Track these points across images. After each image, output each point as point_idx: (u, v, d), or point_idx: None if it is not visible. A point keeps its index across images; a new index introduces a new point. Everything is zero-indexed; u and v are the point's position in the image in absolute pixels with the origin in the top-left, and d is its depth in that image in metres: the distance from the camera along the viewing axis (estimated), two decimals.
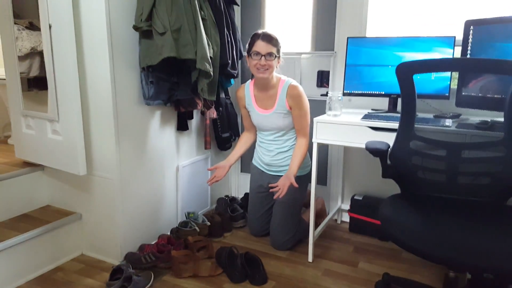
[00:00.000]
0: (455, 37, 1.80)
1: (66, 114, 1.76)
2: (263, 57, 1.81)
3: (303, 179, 2.04)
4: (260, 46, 1.81)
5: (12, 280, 1.70)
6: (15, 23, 1.99)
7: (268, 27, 2.49)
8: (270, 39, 1.82)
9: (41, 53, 1.91)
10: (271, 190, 1.88)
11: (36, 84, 2.32)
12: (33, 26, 2.37)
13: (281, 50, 1.89)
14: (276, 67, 1.89)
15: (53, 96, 1.78)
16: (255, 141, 2.17)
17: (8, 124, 2.98)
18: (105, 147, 1.79)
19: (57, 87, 1.76)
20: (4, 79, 2.54)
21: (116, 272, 1.68)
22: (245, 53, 2.18)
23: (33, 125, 1.96)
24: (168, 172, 2.12)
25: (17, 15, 2.00)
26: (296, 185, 1.82)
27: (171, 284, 1.73)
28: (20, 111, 2.00)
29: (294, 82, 1.92)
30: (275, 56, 1.84)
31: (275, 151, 2.04)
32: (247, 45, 1.90)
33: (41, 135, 1.92)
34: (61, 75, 1.73)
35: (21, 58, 2.12)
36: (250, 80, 2.08)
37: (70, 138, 1.77)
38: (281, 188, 1.82)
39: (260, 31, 1.85)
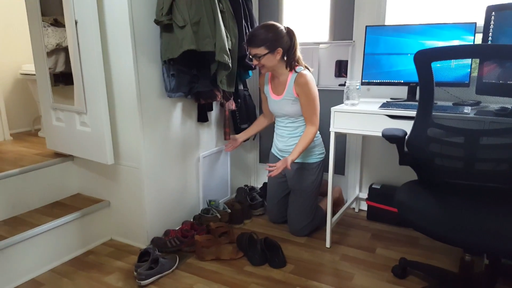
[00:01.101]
0: (476, 23, 1.77)
1: (93, 106, 1.84)
2: (253, 58, 1.93)
3: (316, 166, 2.08)
4: (249, 48, 1.93)
5: (48, 262, 1.82)
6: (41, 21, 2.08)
7: (286, 18, 2.50)
8: (251, 42, 1.89)
9: (65, 49, 1.99)
10: (266, 168, 2.02)
11: (62, 79, 2.42)
12: (58, 23, 2.45)
13: (277, 40, 1.87)
14: (274, 60, 1.91)
15: (80, 90, 1.86)
16: (268, 124, 2.29)
17: (37, 118, 3.12)
18: (131, 137, 1.87)
19: (84, 81, 1.84)
20: (33, 75, 2.68)
21: (143, 255, 1.77)
22: None
23: (62, 118, 2.05)
24: (190, 162, 2.19)
25: (42, 13, 2.08)
26: (289, 168, 1.89)
27: (195, 266, 1.82)
28: (50, 104, 2.10)
29: (305, 71, 1.95)
30: (262, 55, 1.88)
31: (286, 136, 2.10)
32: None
33: (70, 127, 2.01)
34: (87, 69, 1.80)
35: (48, 54, 2.21)
36: None
37: (97, 129, 1.86)
38: (276, 167, 1.91)
39: (252, 33, 1.90)
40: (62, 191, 2.14)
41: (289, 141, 2.10)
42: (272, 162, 2.21)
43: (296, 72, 1.95)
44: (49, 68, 2.15)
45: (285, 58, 1.96)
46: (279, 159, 2.17)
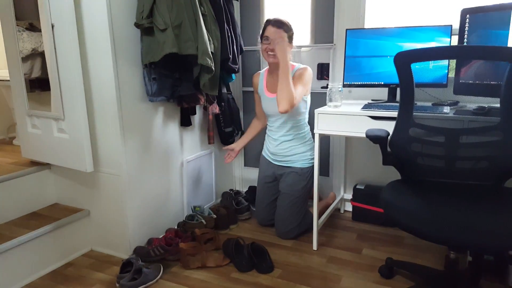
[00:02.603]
0: (451, 25, 1.83)
1: (71, 112, 1.78)
2: (269, 42, 1.91)
3: (307, 171, 2.08)
4: (270, 31, 1.91)
5: (25, 276, 1.74)
6: (16, 25, 2.01)
7: None
8: (281, 24, 1.90)
9: (42, 54, 1.93)
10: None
11: (38, 85, 2.35)
12: (33, 27, 2.38)
13: (294, 38, 1.97)
14: (287, 50, 1.87)
15: (57, 95, 1.81)
16: (263, 128, 2.27)
17: (12, 126, 3.01)
18: (111, 143, 1.82)
19: (62, 86, 1.78)
20: (7, 80, 2.58)
21: (126, 265, 1.72)
22: (246, 48, 2.22)
23: (38, 125, 1.99)
24: (174, 167, 2.16)
25: (17, 17, 2.01)
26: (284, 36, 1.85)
27: (180, 275, 1.78)
28: (25, 111, 2.03)
29: (306, 67, 1.99)
30: (283, 37, 1.89)
31: (279, 139, 2.09)
32: (260, 31, 2.01)
33: (47, 134, 1.95)
34: (65, 74, 1.75)
35: (23, 60, 2.14)
36: (268, 67, 2.14)
37: (76, 135, 1.80)
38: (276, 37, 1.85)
39: (272, 18, 1.94)
40: (39, 201, 2.06)
41: (282, 144, 2.09)
42: (263, 166, 2.21)
43: (300, 65, 2.00)
44: (25, 74, 2.08)
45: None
46: (271, 163, 2.16)
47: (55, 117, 1.86)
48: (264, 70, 2.16)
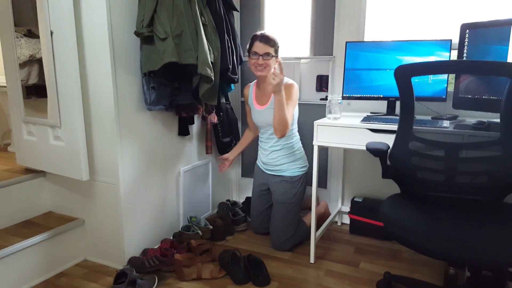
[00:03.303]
0: (451, 40, 1.84)
1: (68, 120, 1.77)
2: (260, 57, 1.94)
3: (297, 179, 2.08)
4: (258, 46, 1.95)
5: (17, 286, 1.70)
6: (14, 31, 2.00)
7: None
8: (268, 40, 1.94)
9: (39, 61, 1.92)
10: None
11: (34, 91, 2.33)
12: (32, 34, 2.38)
13: (280, 51, 2.01)
14: (273, 66, 1.93)
15: (54, 102, 1.79)
16: (254, 138, 2.29)
17: (7, 132, 2.98)
18: (108, 152, 1.80)
19: (59, 93, 1.77)
20: (3, 87, 2.56)
21: (120, 276, 1.68)
22: (245, 58, 2.21)
23: (34, 132, 1.96)
24: (170, 177, 2.13)
25: (15, 23, 2.01)
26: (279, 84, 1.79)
27: (175, 286, 1.74)
28: (21, 117, 2.01)
29: (291, 81, 2.00)
30: (272, 55, 1.95)
31: (269, 149, 2.12)
32: (247, 46, 2.03)
33: (42, 141, 1.92)
34: (63, 81, 1.74)
35: (20, 66, 2.13)
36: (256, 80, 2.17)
37: (72, 143, 1.78)
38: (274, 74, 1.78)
39: (259, 33, 1.97)
40: (33, 209, 2.03)
41: (272, 154, 2.11)
42: (257, 175, 2.24)
43: (287, 80, 2.00)
44: (22, 80, 2.07)
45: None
46: (264, 172, 2.18)
47: (52, 124, 1.84)
48: (253, 83, 2.20)
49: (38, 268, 1.78)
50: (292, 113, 1.98)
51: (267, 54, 1.94)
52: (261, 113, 2.08)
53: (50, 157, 1.90)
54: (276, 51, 1.98)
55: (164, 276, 1.81)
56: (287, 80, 2.01)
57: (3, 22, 1.99)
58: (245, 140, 2.33)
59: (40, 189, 2.06)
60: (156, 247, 1.98)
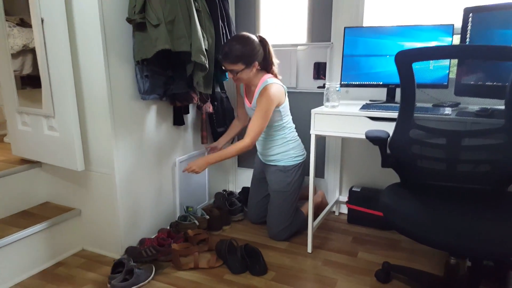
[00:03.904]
0: (453, 25, 1.79)
1: (62, 109, 1.74)
2: (229, 72, 1.92)
3: (291, 168, 2.06)
4: (224, 64, 1.90)
5: (15, 275, 1.70)
6: (6, 20, 1.96)
7: (263, 19, 2.46)
8: (227, 58, 1.85)
9: (33, 51, 1.89)
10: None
11: (29, 82, 2.30)
12: (24, 23, 2.33)
13: (252, 58, 1.87)
14: (250, 74, 1.91)
15: (47, 92, 1.76)
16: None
17: (3, 123, 2.96)
18: (102, 142, 1.78)
19: (52, 82, 1.74)
20: None
21: (117, 265, 1.68)
22: None
23: (28, 122, 1.94)
24: (166, 167, 2.11)
25: (7, 12, 1.97)
26: (198, 171, 1.92)
27: (172, 276, 1.74)
28: (15, 108, 1.98)
29: (270, 84, 1.90)
30: (239, 71, 1.87)
31: (263, 141, 2.12)
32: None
33: (37, 131, 1.90)
34: (55, 70, 1.71)
35: (14, 56, 2.09)
36: None
37: (66, 133, 1.76)
38: (192, 166, 1.92)
39: (225, 49, 1.85)
40: (29, 199, 2.02)
41: (265, 145, 2.11)
42: (257, 163, 2.25)
43: (266, 82, 1.92)
44: (16, 70, 2.04)
45: (260, 67, 1.97)
46: (262, 162, 2.18)
47: (45, 114, 1.81)
48: None
49: (36, 258, 1.78)
50: (261, 125, 1.88)
51: (232, 71, 1.88)
52: (249, 110, 2.10)
53: (45, 147, 1.88)
54: (245, 62, 1.85)
55: (161, 265, 1.81)
56: (268, 80, 1.92)
57: None
58: (232, 129, 2.29)
59: (36, 179, 2.04)
60: (153, 236, 1.98)
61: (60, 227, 1.88)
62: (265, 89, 1.89)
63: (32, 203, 2.03)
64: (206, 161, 1.92)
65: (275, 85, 1.91)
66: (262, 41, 1.92)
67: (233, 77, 1.91)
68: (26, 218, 1.88)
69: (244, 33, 1.90)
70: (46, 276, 1.74)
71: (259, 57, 1.90)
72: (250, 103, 2.06)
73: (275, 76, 1.99)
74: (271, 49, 1.96)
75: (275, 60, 1.99)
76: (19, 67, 2.27)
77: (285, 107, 2.02)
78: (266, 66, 1.97)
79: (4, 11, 1.93)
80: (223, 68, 1.94)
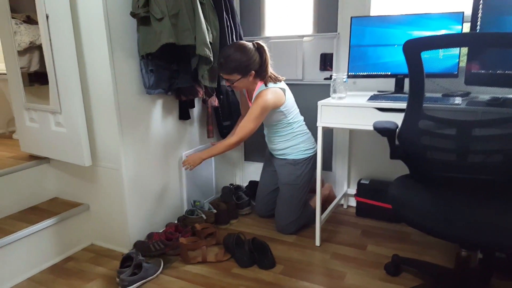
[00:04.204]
0: (463, 12, 1.74)
1: (68, 105, 1.75)
2: (226, 80, 1.95)
3: (301, 162, 2.04)
4: (221, 74, 1.92)
5: (25, 270, 1.72)
6: (12, 17, 1.96)
7: (268, 10, 2.43)
8: (224, 69, 1.86)
9: (40, 47, 1.89)
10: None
11: (37, 79, 2.31)
12: (31, 20, 2.34)
13: (248, 67, 1.87)
14: (247, 82, 1.92)
15: (54, 87, 1.77)
16: None
17: (12, 119, 2.99)
18: (109, 137, 1.78)
19: (58, 78, 1.74)
20: (5, 74, 2.55)
21: (126, 260, 1.69)
22: (245, 38, 2.15)
23: (36, 118, 1.95)
24: (172, 162, 2.11)
25: (14, 10, 1.97)
26: (191, 167, 1.98)
27: (181, 270, 1.74)
28: (22, 104, 2.00)
29: (264, 90, 1.91)
30: (235, 80, 1.89)
31: (271, 137, 2.12)
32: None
33: (44, 127, 1.91)
34: (61, 66, 1.71)
35: (21, 53, 2.10)
36: None
37: (73, 129, 1.76)
38: (188, 161, 1.99)
39: (220, 59, 1.86)
40: (38, 195, 2.04)
41: (274, 140, 2.11)
42: (267, 156, 2.24)
43: (261, 88, 1.93)
44: (23, 68, 2.04)
45: (256, 75, 1.95)
46: (273, 156, 2.17)
47: (52, 110, 1.82)
48: None
49: (46, 253, 1.80)
50: (251, 128, 1.90)
51: (228, 80, 1.91)
52: None
53: (53, 143, 1.89)
54: (241, 72, 1.86)
55: (170, 259, 1.82)
56: (263, 86, 1.93)
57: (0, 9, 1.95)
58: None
59: (45, 175, 2.06)
60: (161, 231, 1.99)
61: (69, 222, 1.89)
62: (259, 95, 1.91)
63: (41, 198, 2.05)
64: (199, 157, 1.98)
65: (270, 90, 1.91)
66: (260, 48, 1.91)
67: (230, 85, 1.94)
68: (35, 213, 1.90)
69: (241, 41, 1.91)
70: (56, 271, 1.76)
71: (256, 65, 1.89)
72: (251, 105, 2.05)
73: (274, 79, 1.96)
74: (268, 57, 1.93)
75: (270, 69, 1.96)
76: (26, 64, 2.28)
77: (287, 105, 1.99)
78: (261, 74, 1.93)
79: (10, 8, 1.93)
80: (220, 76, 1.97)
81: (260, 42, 1.93)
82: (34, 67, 2.36)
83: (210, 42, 1.78)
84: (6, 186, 1.89)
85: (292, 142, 2.05)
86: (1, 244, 1.61)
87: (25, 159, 2.07)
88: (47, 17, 1.68)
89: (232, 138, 1.94)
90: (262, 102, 1.88)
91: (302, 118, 2.11)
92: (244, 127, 1.91)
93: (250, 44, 1.89)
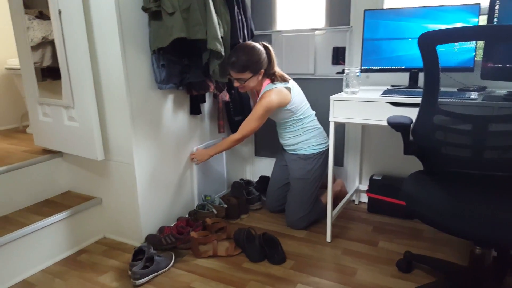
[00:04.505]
0: (480, 4, 1.70)
1: (81, 100, 1.76)
2: (235, 80, 1.96)
3: (312, 157, 2.04)
4: (231, 72, 1.93)
5: (39, 262, 1.75)
6: (25, 13, 1.98)
7: (279, 4, 2.41)
8: (235, 67, 1.89)
9: (52, 43, 1.91)
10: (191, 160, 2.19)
11: (49, 74, 2.33)
12: (43, 15, 2.36)
13: (258, 65, 1.91)
14: (256, 81, 1.95)
15: (67, 82, 1.78)
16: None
17: (25, 114, 3.03)
18: (121, 132, 1.79)
19: (70, 73, 1.76)
20: (19, 69, 2.58)
21: (138, 253, 1.71)
22: (257, 32, 2.14)
23: (49, 113, 1.97)
24: (184, 156, 2.12)
25: (27, 5, 1.99)
26: (198, 161, 2.12)
27: (191, 263, 1.76)
28: (36, 99, 2.02)
29: (269, 91, 1.93)
30: (246, 79, 1.92)
31: (282, 132, 2.12)
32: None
33: (57, 122, 1.93)
34: (73, 61, 1.72)
35: (34, 48, 2.12)
36: None
37: (86, 124, 1.78)
38: (196, 155, 2.12)
39: (232, 58, 1.88)
40: (52, 188, 2.06)
41: (285, 136, 2.11)
42: (280, 153, 2.25)
43: (266, 88, 1.95)
44: (36, 62, 2.06)
45: (265, 74, 1.98)
46: (285, 151, 2.18)
47: (65, 105, 1.84)
48: None
49: (60, 245, 1.83)
50: (253, 127, 1.96)
51: (240, 79, 1.93)
52: None
53: (66, 137, 1.91)
54: (252, 71, 1.90)
55: (181, 253, 1.83)
56: (268, 86, 1.95)
57: (13, 5, 1.97)
58: None
59: (58, 169, 2.09)
60: (172, 225, 2.00)
61: (82, 215, 1.92)
62: (263, 95, 1.93)
63: (54, 192, 2.08)
64: (207, 153, 2.09)
65: (274, 90, 1.93)
66: (266, 48, 1.96)
67: (239, 85, 1.95)
68: (49, 206, 1.93)
69: (249, 42, 1.95)
70: (69, 263, 1.79)
71: (265, 64, 1.94)
72: None
73: (281, 78, 1.98)
74: (274, 56, 1.98)
75: (277, 68, 2.00)
76: (39, 59, 2.31)
77: (294, 103, 1.98)
78: (269, 73, 1.97)
79: (23, 4, 1.95)
80: (230, 77, 1.98)
81: (265, 43, 1.98)
82: (47, 62, 2.38)
83: (221, 37, 1.77)
84: (20, 180, 1.92)
85: (303, 137, 2.04)
86: (16, 237, 1.64)
87: (38, 153, 2.10)
88: (59, 12, 1.69)
89: (235, 135, 2.00)
90: (265, 102, 1.91)
91: (313, 113, 2.09)
92: (247, 125, 1.96)
93: (258, 44, 1.94)
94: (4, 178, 1.85)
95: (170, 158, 2.02)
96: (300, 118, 2.02)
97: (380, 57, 1.92)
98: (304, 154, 2.04)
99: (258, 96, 2.02)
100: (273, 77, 1.97)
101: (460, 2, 1.81)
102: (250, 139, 2.67)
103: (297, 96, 2.00)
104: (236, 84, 1.97)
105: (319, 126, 2.10)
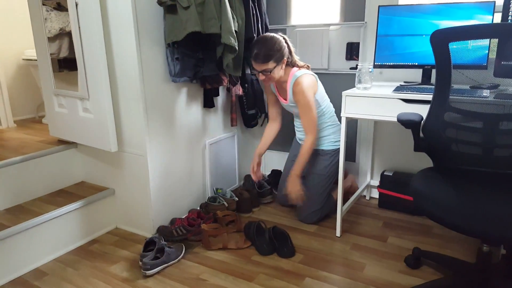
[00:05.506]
0: (494, 1, 1.68)
1: (96, 91, 1.79)
2: (260, 73, 1.91)
3: (330, 152, 2.05)
4: (255, 65, 1.90)
5: (52, 251, 1.80)
6: (43, 4, 2.02)
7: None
8: (259, 58, 1.86)
9: (69, 34, 1.94)
10: (284, 193, 2.06)
11: (66, 65, 2.37)
12: (61, 7, 2.39)
13: (282, 54, 1.89)
14: (281, 71, 1.93)
15: (82, 74, 1.81)
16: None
17: (41, 104, 3.09)
18: (135, 124, 1.82)
19: (86, 65, 1.78)
20: (36, 60, 2.63)
21: (149, 244, 1.74)
22: (271, 27, 2.14)
23: (65, 104, 2.01)
24: (196, 149, 2.15)
25: None
26: (297, 193, 1.97)
27: (202, 255, 1.79)
28: (52, 90, 2.06)
29: (300, 77, 1.92)
30: (271, 69, 1.88)
31: (300, 127, 2.13)
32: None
33: (73, 113, 1.97)
34: (89, 53, 1.75)
35: (51, 39, 2.15)
36: None
37: (100, 115, 1.81)
38: (291, 192, 1.98)
39: (254, 51, 1.86)
40: (66, 179, 2.11)
41: (303, 131, 2.09)
42: (294, 146, 2.25)
43: (295, 76, 1.93)
44: (53, 54, 2.10)
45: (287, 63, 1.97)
46: (300, 145, 2.14)
47: (80, 96, 1.87)
48: None
49: (73, 235, 1.87)
50: (315, 114, 1.93)
51: (264, 70, 1.89)
52: (286, 106, 2.11)
53: (80, 128, 1.95)
54: (276, 60, 1.87)
55: (191, 245, 1.86)
56: (297, 74, 1.93)
57: None
58: (268, 135, 2.20)
59: (72, 159, 2.13)
60: (183, 216, 2.03)
61: (95, 205, 1.96)
62: (296, 83, 1.91)
63: (68, 182, 2.12)
64: (295, 177, 1.98)
65: (305, 76, 1.92)
66: (284, 38, 1.95)
67: (264, 78, 1.92)
68: (63, 196, 1.97)
69: (267, 33, 1.94)
70: (81, 252, 1.83)
71: (286, 53, 1.93)
72: (286, 100, 2.05)
73: (303, 67, 1.99)
74: (291, 44, 1.97)
75: (295, 56, 2.00)
76: (56, 50, 2.34)
77: (320, 93, 2.00)
78: (291, 62, 1.98)
79: None
80: (253, 71, 1.97)
81: (281, 34, 1.96)
82: (64, 53, 2.42)
83: (235, 31, 1.79)
84: (35, 170, 1.96)
85: (323, 133, 2.06)
86: (30, 226, 1.68)
87: (53, 144, 2.14)
88: (76, 4, 1.72)
89: (309, 137, 1.94)
90: (303, 89, 1.89)
91: (333, 109, 2.11)
92: (308, 120, 1.93)
93: (276, 35, 1.92)
94: (19, 168, 1.89)
95: (182, 150, 2.05)
96: (323, 112, 2.03)
97: (393, 53, 1.92)
98: (322, 149, 2.06)
99: (286, 90, 2.00)
100: (296, 64, 1.97)
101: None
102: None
103: (321, 87, 2.02)
104: (261, 77, 1.93)
105: (338, 122, 2.10)
